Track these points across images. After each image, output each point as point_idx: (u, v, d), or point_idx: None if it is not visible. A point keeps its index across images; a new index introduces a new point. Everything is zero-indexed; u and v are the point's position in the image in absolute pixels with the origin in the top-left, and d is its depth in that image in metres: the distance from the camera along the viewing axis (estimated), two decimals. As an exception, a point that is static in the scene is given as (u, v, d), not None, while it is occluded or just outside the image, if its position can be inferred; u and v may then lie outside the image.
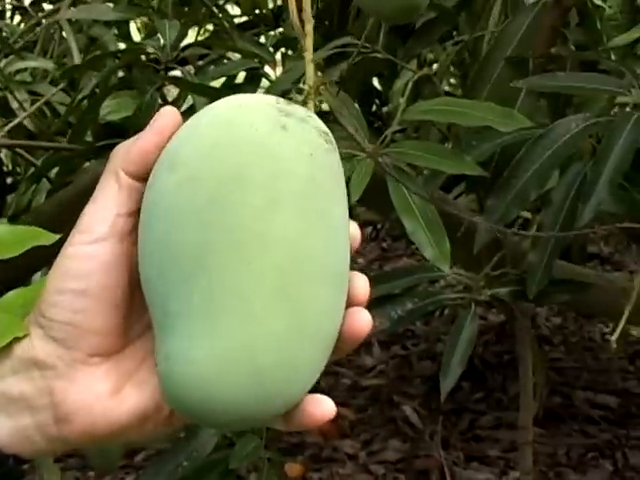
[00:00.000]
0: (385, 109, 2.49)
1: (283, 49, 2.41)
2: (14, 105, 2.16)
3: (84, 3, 2.28)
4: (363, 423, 3.11)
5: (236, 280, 0.68)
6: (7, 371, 0.76)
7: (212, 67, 1.98)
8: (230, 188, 0.69)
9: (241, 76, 2.14)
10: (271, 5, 2.57)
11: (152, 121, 0.76)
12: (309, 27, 0.80)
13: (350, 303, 0.72)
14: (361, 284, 0.73)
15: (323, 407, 0.71)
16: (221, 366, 0.68)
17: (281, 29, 2.45)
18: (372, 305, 1.70)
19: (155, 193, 0.71)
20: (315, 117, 0.72)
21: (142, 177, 0.74)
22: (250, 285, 0.68)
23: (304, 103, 0.76)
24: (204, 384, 0.68)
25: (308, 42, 0.80)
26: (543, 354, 3.15)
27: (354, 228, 0.75)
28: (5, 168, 2.45)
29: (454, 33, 2.14)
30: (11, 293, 0.85)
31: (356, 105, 1.76)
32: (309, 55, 0.79)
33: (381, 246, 4.20)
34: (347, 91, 1.67)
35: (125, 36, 2.39)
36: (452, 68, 2.38)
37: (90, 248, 0.75)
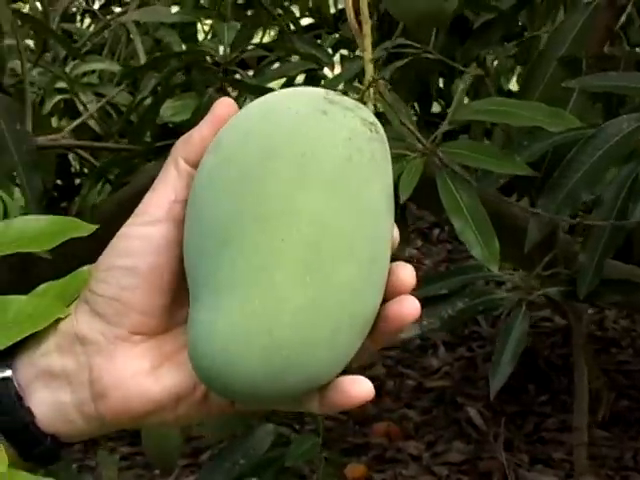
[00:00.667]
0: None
1: (342, 51, 2.41)
2: (81, 107, 2.20)
3: (151, 5, 2.33)
4: (427, 424, 3.10)
5: (259, 253, 0.68)
6: (52, 347, 0.77)
7: (270, 69, 2.00)
8: (260, 165, 0.69)
9: (300, 78, 2.15)
10: (333, 10, 2.58)
11: (210, 111, 0.76)
12: (367, 28, 0.81)
13: (395, 291, 0.72)
14: (407, 273, 0.73)
15: (359, 387, 0.70)
16: (239, 337, 0.68)
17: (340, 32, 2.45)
18: (423, 305, 1.70)
19: (198, 174, 0.73)
20: (365, 108, 0.72)
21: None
22: (273, 258, 0.68)
23: (360, 99, 0.75)
24: (223, 354, 0.69)
25: (366, 42, 0.81)
26: (610, 357, 3.12)
27: (396, 231, 0.75)
28: (73, 169, 2.49)
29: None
30: (43, 285, 0.84)
31: (413, 105, 1.78)
32: (367, 55, 0.80)
33: (447, 248, 4.21)
34: (398, 91, 1.67)
35: (191, 38, 2.41)
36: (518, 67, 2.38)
37: (143, 229, 0.76)
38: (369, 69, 0.79)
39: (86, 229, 0.84)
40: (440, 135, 1.59)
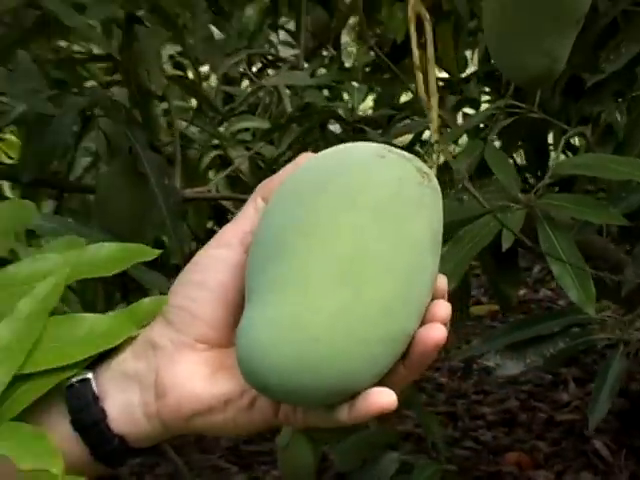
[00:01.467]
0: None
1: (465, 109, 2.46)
2: (236, 161, 2.29)
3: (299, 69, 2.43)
4: (556, 455, 3.06)
5: (301, 262, 0.71)
6: (129, 354, 0.82)
7: (397, 126, 2.07)
8: (314, 192, 0.74)
9: (426, 134, 2.19)
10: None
11: (293, 161, 0.82)
12: (434, 100, 0.90)
13: (429, 321, 0.74)
14: (440, 306, 0.75)
15: (384, 396, 0.72)
16: (274, 330, 0.71)
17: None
18: (528, 344, 1.78)
19: (267, 206, 0.78)
20: (418, 160, 0.77)
21: None
22: (313, 269, 0.71)
23: (428, 155, 0.84)
24: (261, 351, 0.71)
25: (433, 114, 0.91)
26: None
27: (442, 279, 0.78)
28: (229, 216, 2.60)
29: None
30: (120, 309, 0.89)
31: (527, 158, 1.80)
32: (434, 124, 0.90)
33: (551, 287, 4.19)
34: (506, 147, 1.71)
35: (336, 97, 2.47)
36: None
37: (216, 251, 0.81)
38: (435, 135, 0.89)
39: (151, 254, 0.90)
40: (543, 187, 1.61)
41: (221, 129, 2.49)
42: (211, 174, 2.51)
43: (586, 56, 1.84)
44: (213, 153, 2.47)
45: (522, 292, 4.29)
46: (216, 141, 2.45)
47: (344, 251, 0.71)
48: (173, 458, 1.98)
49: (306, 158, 0.81)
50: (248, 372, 0.71)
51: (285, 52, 3.02)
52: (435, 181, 0.77)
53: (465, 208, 1.61)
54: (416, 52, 0.98)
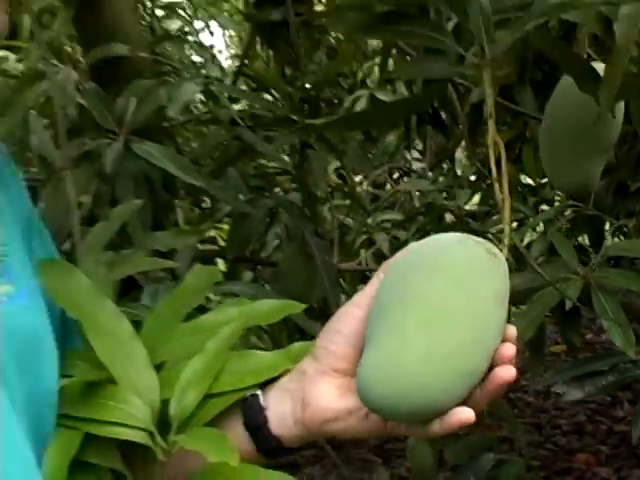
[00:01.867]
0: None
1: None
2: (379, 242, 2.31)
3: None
4: (615, 457, 3.06)
5: (400, 319, 0.71)
6: (286, 378, 0.83)
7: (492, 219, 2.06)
8: (409, 269, 0.74)
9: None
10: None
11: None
12: (507, 203, 0.85)
13: (498, 361, 0.72)
14: (507, 350, 0.73)
15: (464, 414, 0.71)
16: (381, 370, 0.71)
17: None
18: (587, 377, 1.68)
19: (384, 276, 0.78)
20: (490, 245, 0.75)
21: None
22: (408, 323, 0.70)
23: (496, 243, 0.80)
24: (372, 383, 0.71)
25: (506, 214, 0.86)
26: None
27: (512, 328, 0.75)
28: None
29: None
30: (280, 350, 0.89)
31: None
32: (507, 227, 0.85)
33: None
34: (570, 234, 1.68)
35: (450, 197, 2.45)
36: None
37: (350, 308, 0.81)
38: (507, 231, 0.84)
39: (299, 307, 0.90)
40: (598, 263, 1.57)
41: (369, 220, 2.48)
42: (362, 252, 2.46)
43: (630, 169, 1.78)
44: (363, 237, 2.44)
45: (589, 336, 4.22)
46: (365, 228, 2.42)
47: (430, 311, 0.70)
48: (329, 452, 1.99)
49: (411, 246, 0.80)
50: (364, 398, 0.71)
51: (415, 165, 3.06)
52: (501, 258, 0.75)
53: (538, 279, 1.50)
54: (494, 169, 0.92)
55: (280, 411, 0.83)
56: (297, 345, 0.88)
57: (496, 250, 0.75)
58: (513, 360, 0.73)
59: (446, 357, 0.71)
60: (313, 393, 0.82)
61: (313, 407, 0.81)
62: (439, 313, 0.72)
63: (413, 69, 1.50)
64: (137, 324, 0.92)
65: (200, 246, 1.89)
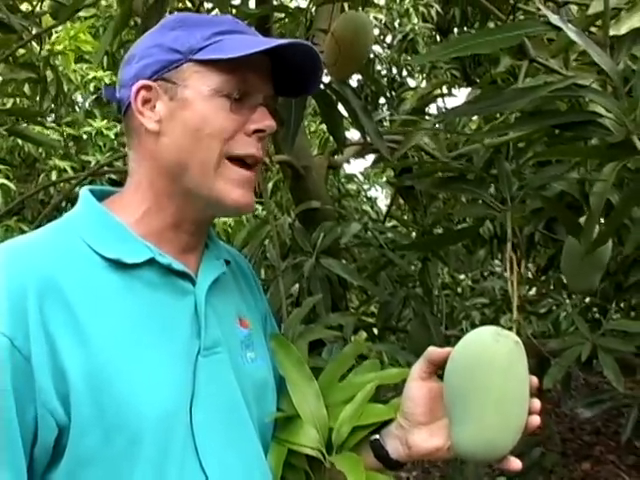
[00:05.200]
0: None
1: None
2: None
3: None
4: (618, 448, 3.81)
5: (476, 404, 0.84)
6: (393, 426, 0.97)
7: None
8: (469, 366, 0.86)
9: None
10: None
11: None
12: (515, 290, 0.96)
13: (531, 410, 0.88)
14: (535, 403, 0.88)
15: (514, 462, 0.88)
16: (469, 438, 0.85)
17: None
18: (594, 404, 2.25)
19: (449, 364, 0.89)
20: (512, 334, 0.86)
21: (440, 361, 0.93)
22: (483, 406, 0.84)
23: (511, 329, 0.90)
24: (464, 446, 0.86)
25: (514, 296, 0.95)
26: None
27: (534, 379, 0.88)
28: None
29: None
30: (384, 405, 1.00)
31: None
32: (515, 312, 0.94)
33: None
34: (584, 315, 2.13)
35: None
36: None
37: (411, 382, 0.95)
38: (515, 313, 0.94)
39: (400, 375, 0.98)
40: (605, 331, 1.96)
41: (467, 302, 2.78)
42: (463, 322, 2.77)
43: (623, 274, 2.08)
44: (463, 313, 2.75)
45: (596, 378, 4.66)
46: (465, 308, 2.73)
47: (495, 396, 0.84)
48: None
49: (463, 344, 0.90)
50: (462, 456, 0.88)
51: (496, 268, 3.27)
52: (521, 344, 0.87)
53: (566, 342, 1.92)
54: (509, 276, 1.04)
55: (394, 447, 0.97)
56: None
57: (516, 337, 0.86)
58: (539, 410, 0.87)
59: (508, 424, 0.83)
60: (411, 439, 0.95)
61: (414, 448, 0.95)
62: (501, 398, 0.83)
63: (464, 211, 1.81)
64: (319, 370, 1.07)
65: (362, 318, 2.12)
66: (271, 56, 0.92)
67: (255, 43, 0.88)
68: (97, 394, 0.78)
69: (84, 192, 0.94)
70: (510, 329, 0.88)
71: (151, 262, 0.90)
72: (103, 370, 0.79)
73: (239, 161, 0.90)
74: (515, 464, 0.86)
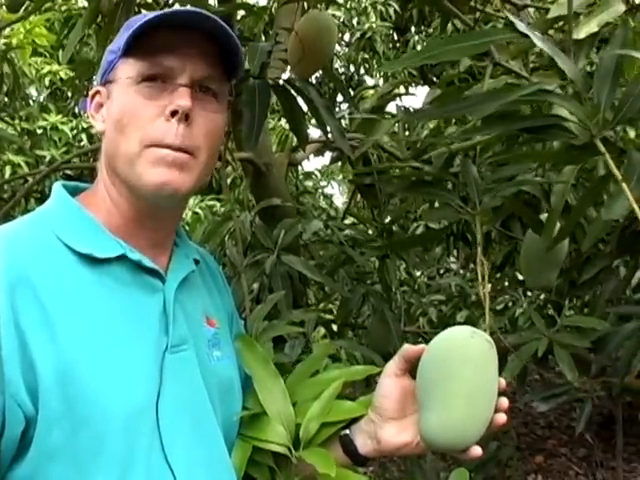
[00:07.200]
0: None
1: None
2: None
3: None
4: (571, 441, 3.79)
5: (447, 393, 0.85)
6: (362, 421, 0.98)
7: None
8: (442, 358, 0.87)
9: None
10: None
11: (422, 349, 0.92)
12: (486, 303, 0.97)
13: (498, 408, 0.89)
14: (502, 401, 0.89)
15: (474, 449, 0.88)
16: (437, 425, 0.86)
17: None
18: (550, 398, 2.25)
19: (422, 361, 0.90)
20: (486, 335, 0.87)
21: (414, 359, 0.93)
22: (451, 395, 0.85)
23: (485, 331, 0.90)
24: (432, 433, 0.87)
25: (486, 307, 0.96)
26: None
27: (502, 380, 0.89)
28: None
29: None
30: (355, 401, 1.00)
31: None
32: (487, 320, 0.94)
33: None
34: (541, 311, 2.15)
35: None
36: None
37: (385, 379, 0.95)
38: (487, 319, 0.95)
39: (377, 370, 0.97)
40: (560, 327, 1.88)
41: (424, 299, 2.77)
42: (420, 319, 2.76)
43: (577, 271, 2.05)
44: (420, 310, 2.74)
45: (551, 373, 4.71)
46: (422, 305, 2.72)
47: (465, 387, 0.85)
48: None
49: (438, 340, 0.91)
50: (428, 444, 0.88)
51: (453, 265, 3.30)
52: (493, 344, 0.89)
53: (522, 338, 1.89)
54: (480, 276, 1.03)
55: (363, 442, 0.98)
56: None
57: (490, 338, 0.87)
58: (506, 409, 0.87)
59: (475, 417, 0.84)
60: (381, 434, 0.95)
61: (383, 442, 0.96)
62: (471, 390, 0.85)
63: (435, 215, 1.84)
64: (282, 366, 1.07)
65: (322, 314, 2.02)
66: (202, 37, 0.90)
67: (154, 19, 0.87)
68: (66, 389, 0.77)
69: (57, 187, 0.94)
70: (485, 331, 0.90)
71: (122, 258, 0.90)
72: (72, 365, 0.78)
73: (165, 147, 0.89)
74: (475, 451, 0.87)
